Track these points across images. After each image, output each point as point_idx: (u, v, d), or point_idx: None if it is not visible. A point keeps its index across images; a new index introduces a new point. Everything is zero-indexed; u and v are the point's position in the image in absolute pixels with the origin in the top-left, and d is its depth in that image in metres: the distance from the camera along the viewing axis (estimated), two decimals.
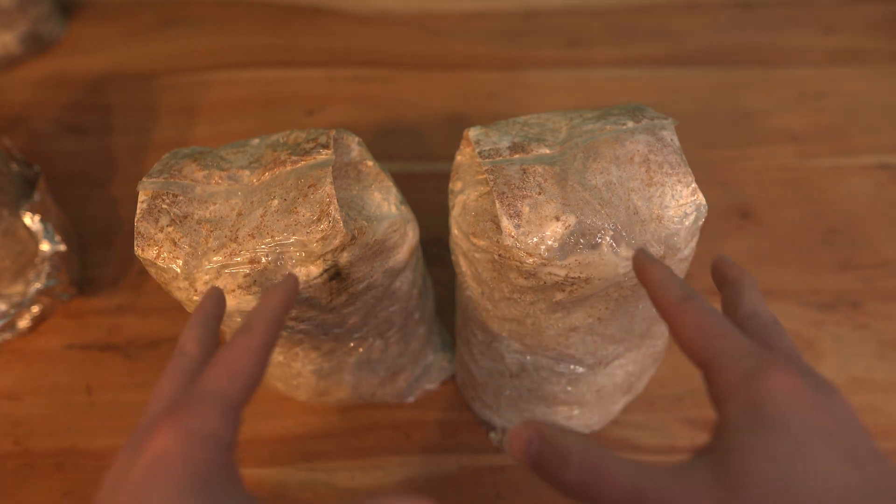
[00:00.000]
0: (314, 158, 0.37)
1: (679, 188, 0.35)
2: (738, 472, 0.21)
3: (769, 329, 0.26)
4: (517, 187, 0.35)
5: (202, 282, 0.35)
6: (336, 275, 0.37)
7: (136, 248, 0.36)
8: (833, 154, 0.68)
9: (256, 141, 0.40)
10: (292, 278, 0.32)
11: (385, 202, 0.39)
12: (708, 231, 0.61)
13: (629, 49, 0.78)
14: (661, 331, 0.44)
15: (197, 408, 0.23)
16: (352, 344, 0.44)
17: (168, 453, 0.21)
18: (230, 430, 0.23)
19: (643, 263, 0.29)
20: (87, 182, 0.66)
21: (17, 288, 0.54)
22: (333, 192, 0.35)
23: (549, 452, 0.24)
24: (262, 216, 0.35)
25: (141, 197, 0.36)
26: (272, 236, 0.35)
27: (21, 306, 0.54)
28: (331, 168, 0.36)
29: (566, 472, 0.23)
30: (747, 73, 0.76)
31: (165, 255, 0.35)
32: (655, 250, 0.35)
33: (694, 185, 0.35)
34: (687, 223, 0.35)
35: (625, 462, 0.23)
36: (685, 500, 0.21)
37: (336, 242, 0.35)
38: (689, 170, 0.36)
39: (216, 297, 0.32)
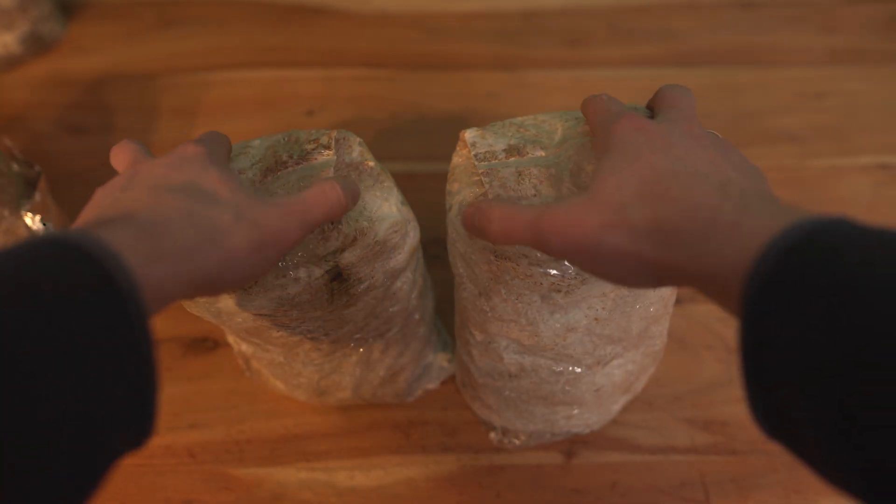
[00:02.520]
0: (315, 159, 0.37)
1: None
2: (594, 186, 0.30)
3: (665, 96, 0.34)
4: (512, 189, 0.35)
5: None
6: (337, 276, 0.37)
7: None
8: (833, 154, 0.68)
9: (257, 142, 0.40)
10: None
11: (386, 203, 0.39)
12: None
13: (629, 49, 0.78)
14: (660, 331, 0.44)
15: (212, 142, 0.34)
16: (352, 344, 0.44)
17: (197, 151, 0.32)
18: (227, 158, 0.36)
19: (586, 105, 0.36)
20: (87, 182, 0.66)
21: None
22: None
23: (479, 216, 0.32)
24: None
25: None
26: None
27: None
28: (332, 169, 0.36)
29: (491, 228, 0.31)
30: (747, 73, 0.76)
31: None
32: None
33: None
34: None
35: (529, 206, 0.31)
36: (565, 216, 0.29)
37: (337, 243, 0.35)
38: None
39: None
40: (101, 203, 0.30)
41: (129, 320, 0.23)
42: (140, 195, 0.29)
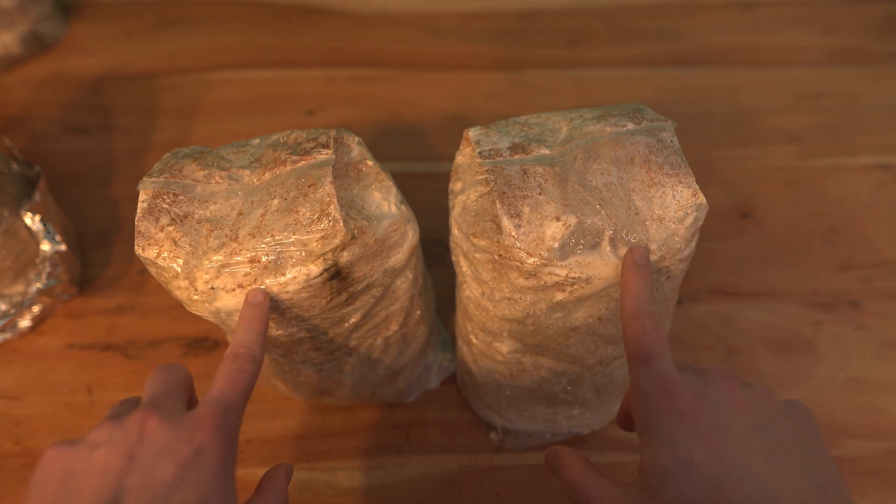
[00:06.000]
0: (314, 158, 0.37)
1: (680, 189, 0.35)
2: (650, 485, 0.28)
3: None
4: (518, 187, 0.35)
5: (202, 281, 0.35)
6: (336, 274, 0.37)
7: (136, 248, 0.36)
8: (833, 154, 0.68)
9: (257, 141, 0.40)
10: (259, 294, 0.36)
11: (385, 202, 0.39)
12: (708, 231, 0.61)
13: (629, 49, 0.78)
14: None
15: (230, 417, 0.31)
16: (352, 344, 0.44)
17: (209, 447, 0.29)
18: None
19: (625, 268, 0.34)
20: (87, 182, 0.66)
21: (18, 288, 0.54)
22: (333, 191, 0.35)
23: (554, 461, 0.35)
24: (262, 215, 0.36)
25: (141, 196, 0.36)
26: (272, 235, 0.35)
27: (22, 306, 0.54)
28: (331, 168, 0.36)
29: (561, 473, 0.34)
30: (747, 73, 0.76)
31: (166, 254, 0.35)
32: (655, 250, 0.35)
33: (695, 185, 0.35)
34: (687, 223, 0.35)
35: (600, 480, 0.32)
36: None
37: (336, 242, 0.35)
38: (690, 171, 0.36)
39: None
40: None
41: None
42: None
